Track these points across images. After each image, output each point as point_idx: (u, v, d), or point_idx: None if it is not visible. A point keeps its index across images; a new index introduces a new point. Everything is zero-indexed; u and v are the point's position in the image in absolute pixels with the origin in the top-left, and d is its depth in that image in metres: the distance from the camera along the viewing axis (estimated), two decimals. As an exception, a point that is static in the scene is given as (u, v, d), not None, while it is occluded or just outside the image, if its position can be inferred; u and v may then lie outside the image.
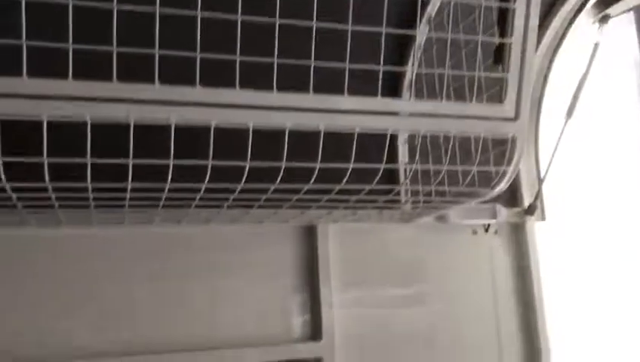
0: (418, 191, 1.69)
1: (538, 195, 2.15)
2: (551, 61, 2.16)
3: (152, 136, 1.24)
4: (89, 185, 1.22)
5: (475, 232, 2.15)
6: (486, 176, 1.55)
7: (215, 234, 1.85)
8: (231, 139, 1.30)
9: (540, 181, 2.17)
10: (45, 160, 1.12)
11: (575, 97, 2.14)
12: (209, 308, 1.81)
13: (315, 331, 1.89)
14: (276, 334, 1.86)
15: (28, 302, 1.66)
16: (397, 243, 2.06)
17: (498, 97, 1.44)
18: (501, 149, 1.51)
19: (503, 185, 1.50)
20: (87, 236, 1.73)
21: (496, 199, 2.07)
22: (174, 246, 1.81)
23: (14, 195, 1.25)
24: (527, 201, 2.19)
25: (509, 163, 1.45)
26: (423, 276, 2.08)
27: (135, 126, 1.13)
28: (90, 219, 1.63)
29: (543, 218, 2.22)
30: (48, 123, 1.07)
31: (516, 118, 1.40)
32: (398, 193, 1.82)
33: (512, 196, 2.20)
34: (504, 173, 1.47)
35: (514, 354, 2.14)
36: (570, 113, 2.15)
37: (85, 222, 1.67)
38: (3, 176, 1.13)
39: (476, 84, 1.42)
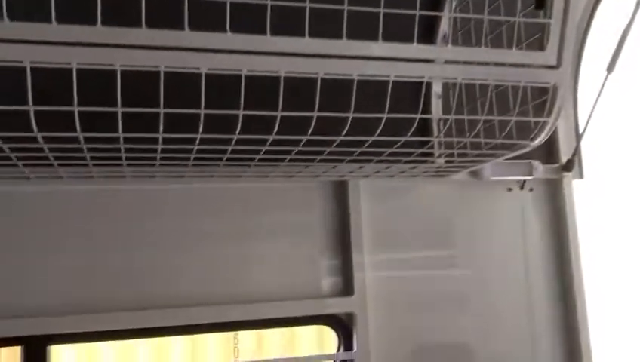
0: (452, 145, 1.64)
1: (576, 151, 2.08)
2: (593, 10, 2.06)
3: (181, 86, 1.23)
4: (120, 135, 1.21)
5: (509, 189, 2.10)
6: (524, 129, 1.49)
7: (246, 190, 1.84)
8: (261, 89, 1.28)
9: (579, 136, 2.10)
10: (76, 108, 1.11)
11: (617, 50, 2.04)
12: (242, 263, 1.81)
13: (346, 287, 1.88)
14: (308, 290, 1.86)
15: (66, 255, 1.68)
16: (429, 201, 2.03)
17: (537, 47, 1.38)
18: (539, 103, 1.45)
19: (542, 137, 1.45)
20: (119, 191, 1.74)
21: (532, 155, 2.02)
22: (206, 202, 1.81)
23: (46, 146, 1.25)
24: (564, 158, 2.12)
25: (549, 113, 1.40)
26: (456, 236, 2.04)
27: (165, 74, 1.12)
28: (123, 174, 1.63)
29: (581, 175, 2.16)
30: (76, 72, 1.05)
31: (558, 65, 1.34)
32: (432, 147, 1.78)
33: (548, 152, 2.13)
34: (544, 124, 1.42)
35: (546, 316, 2.09)
36: (611, 67, 2.05)
37: (117, 177, 1.67)
38: (35, 126, 1.13)
39: (516, 31, 1.36)
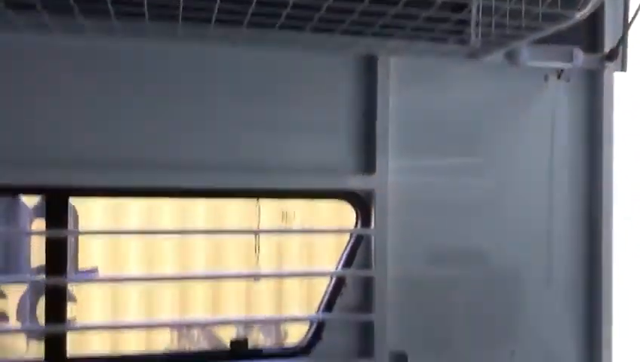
0: (490, 12, 1.52)
1: (622, 40, 1.95)
2: None
3: None
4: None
5: (546, 78, 2.00)
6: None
7: (273, 59, 1.78)
8: None
9: (627, 25, 1.96)
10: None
11: None
12: (265, 130, 1.78)
13: (368, 166, 1.85)
14: (331, 165, 1.83)
15: (92, 110, 1.68)
16: (461, 87, 1.94)
17: None
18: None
19: (589, 8, 1.34)
20: (145, 50, 1.70)
21: (574, 42, 1.90)
22: (231, 66, 1.76)
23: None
24: (608, 47, 2.00)
25: (598, -18, 1.29)
26: (483, 133, 1.96)
27: None
28: (145, 30, 1.58)
29: (623, 68, 2.04)
30: None
31: None
32: (469, 11, 1.66)
33: (591, 41, 2.01)
34: (591, -7, 1.31)
35: (568, 222, 2.04)
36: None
37: (140, 34, 1.62)
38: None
39: None
